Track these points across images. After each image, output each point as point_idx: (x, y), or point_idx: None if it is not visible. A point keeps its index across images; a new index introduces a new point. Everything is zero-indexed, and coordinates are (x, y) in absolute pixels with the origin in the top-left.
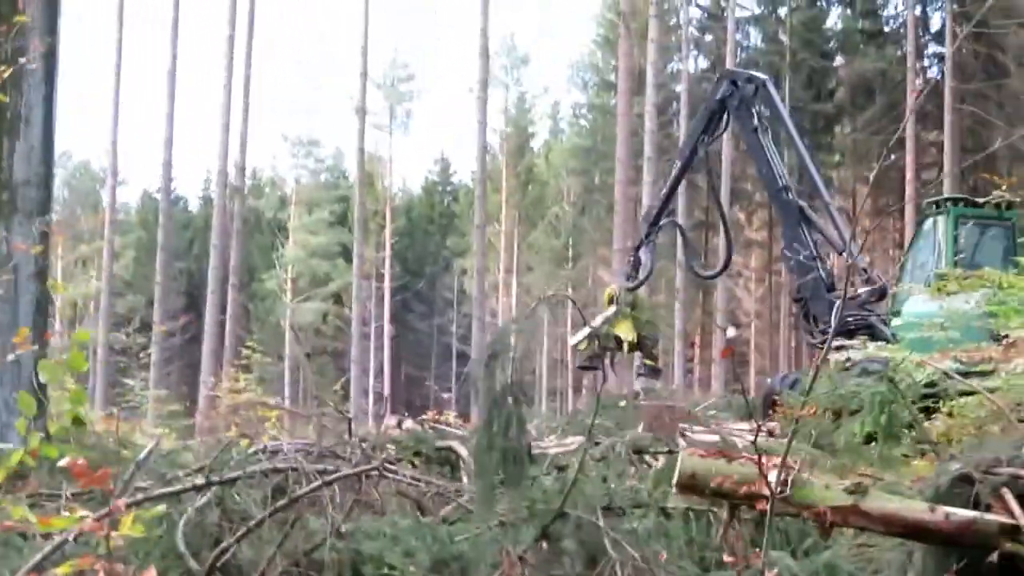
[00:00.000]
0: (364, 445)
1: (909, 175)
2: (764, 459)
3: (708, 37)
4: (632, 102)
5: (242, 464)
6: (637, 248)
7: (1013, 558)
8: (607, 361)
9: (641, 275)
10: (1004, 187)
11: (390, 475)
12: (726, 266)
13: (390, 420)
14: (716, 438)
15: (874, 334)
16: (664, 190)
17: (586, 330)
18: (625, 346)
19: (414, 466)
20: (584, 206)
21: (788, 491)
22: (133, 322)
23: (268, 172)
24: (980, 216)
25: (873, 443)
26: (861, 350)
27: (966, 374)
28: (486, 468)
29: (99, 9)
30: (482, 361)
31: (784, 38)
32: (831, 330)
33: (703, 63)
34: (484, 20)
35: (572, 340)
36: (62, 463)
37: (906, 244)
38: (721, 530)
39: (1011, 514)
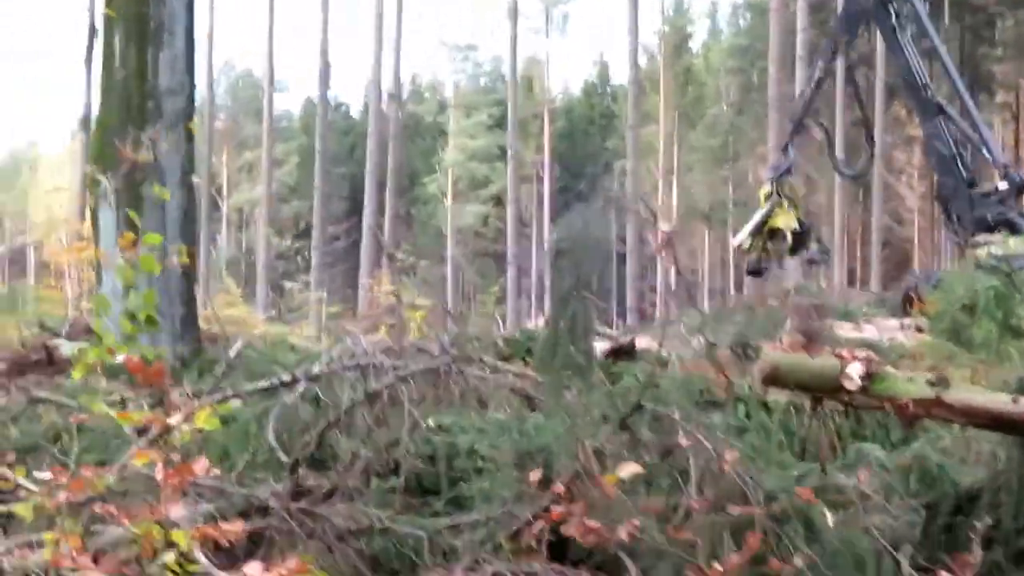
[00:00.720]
0: (455, 343)
1: None
2: (847, 353)
3: None
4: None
5: (330, 363)
6: (784, 148)
7: None
8: (776, 261)
9: (783, 169)
10: None
11: (464, 371)
12: (868, 166)
13: (540, 319)
14: (862, 335)
15: (1015, 229)
16: (807, 89)
17: (747, 228)
18: (788, 237)
19: (525, 363)
20: (742, 106)
21: (869, 384)
22: (298, 226)
23: (427, 78)
24: None
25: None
26: (1002, 246)
27: None
28: (551, 365)
29: None
30: (549, 259)
31: None
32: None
33: None
34: None
35: (735, 241)
36: (119, 359)
37: None
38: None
39: None
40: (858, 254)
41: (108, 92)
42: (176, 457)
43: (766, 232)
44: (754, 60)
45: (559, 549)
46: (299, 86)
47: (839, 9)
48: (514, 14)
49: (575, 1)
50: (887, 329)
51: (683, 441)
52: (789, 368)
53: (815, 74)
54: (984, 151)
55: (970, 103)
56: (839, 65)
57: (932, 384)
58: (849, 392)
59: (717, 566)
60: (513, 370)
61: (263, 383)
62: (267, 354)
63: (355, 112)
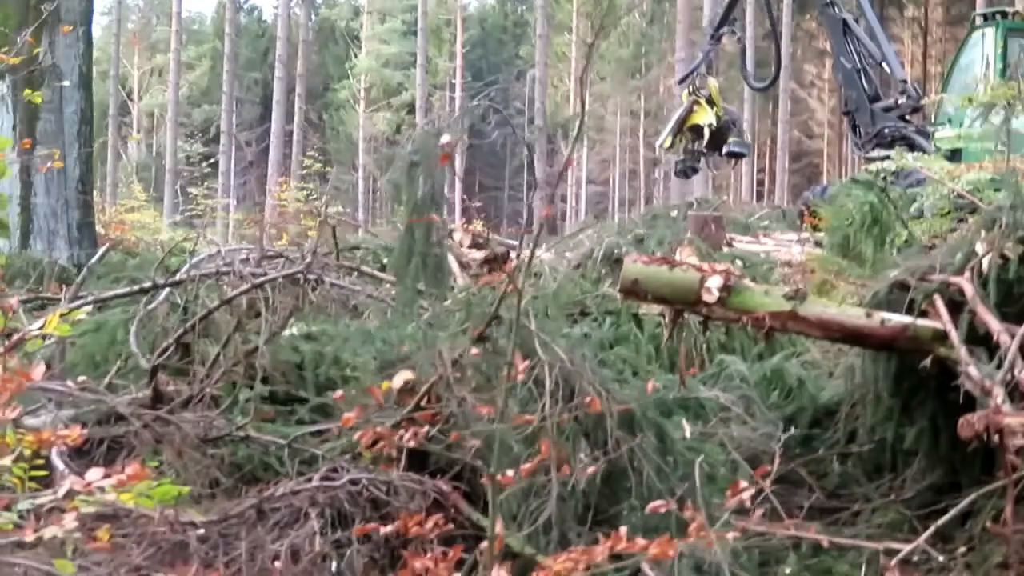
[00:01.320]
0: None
1: None
2: (707, 266)
3: None
4: None
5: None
6: (706, 54)
7: (945, 362)
8: (704, 159)
9: (696, 66)
10: None
11: (323, 281)
12: (775, 79)
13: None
14: (759, 247)
15: (912, 145)
16: (724, 4)
17: (668, 127)
18: (706, 132)
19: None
20: (653, 15)
21: (727, 297)
22: (209, 131)
23: None
24: None
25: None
26: (895, 161)
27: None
28: (405, 274)
29: None
30: (403, 168)
31: None
32: (871, 141)
33: None
34: None
35: (658, 141)
36: None
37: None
38: (662, 336)
39: (942, 320)
40: (766, 167)
41: None
42: (13, 363)
43: (687, 130)
44: None
45: (421, 458)
46: None
47: None
48: None
49: None
50: (784, 242)
51: (540, 352)
52: (648, 280)
53: None
54: (885, 66)
55: (874, 20)
56: None
57: (789, 298)
58: (707, 305)
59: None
60: (384, 277)
61: (122, 289)
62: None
63: (269, 16)
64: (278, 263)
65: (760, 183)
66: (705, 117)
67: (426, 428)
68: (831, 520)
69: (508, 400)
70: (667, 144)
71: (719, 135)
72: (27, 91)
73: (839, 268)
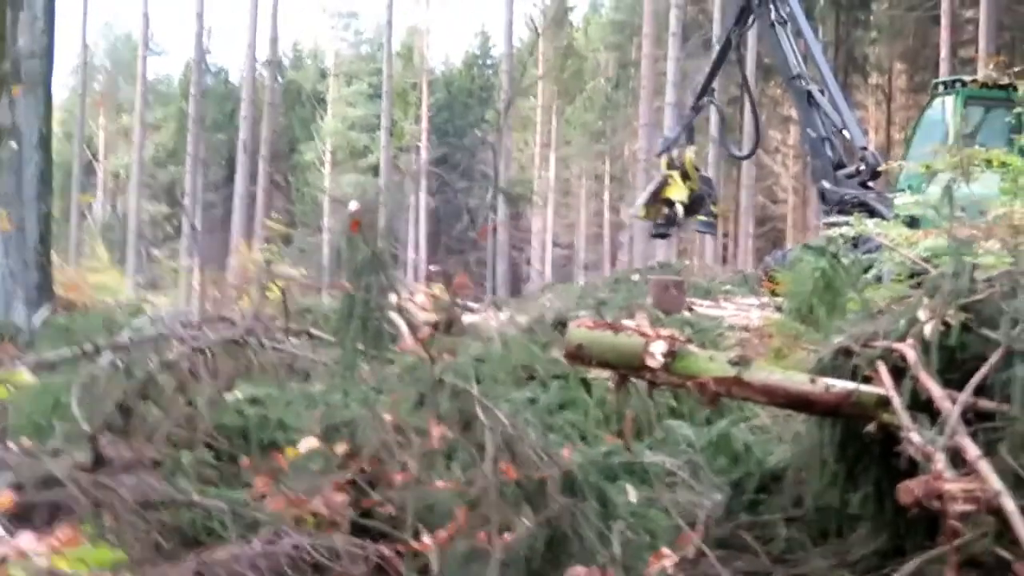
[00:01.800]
0: (254, 315)
1: (944, 52)
2: (652, 331)
3: None
4: None
5: (133, 332)
6: (685, 125)
7: (889, 428)
8: (677, 226)
9: (672, 140)
10: (991, 65)
11: (264, 343)
12: (755, 148)
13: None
14: (720, 312)
15: (872, 211)
16: (704, 76)
17: (641, 198)
18: (679, 208)
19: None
20: (619, 81)
21: (671, 362)
22: (174, 192)
23: (309, 45)
24: (988, 97)
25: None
26: (855, 227)
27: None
28: (345, 337)
29: None
30: (344, 233)
31: None
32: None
33: None
34: None
35: (632, 211)
36: None
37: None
38: (607, 401)
39: (885, 386)
40: (731, 231)
41: None
42: None
43: (660, 201)
44: (632, 35)
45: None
46: (180, 50)
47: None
48: None
49: None
50: (745, 307)
51: (481, 417)
52: (592, 345)
53: (712, 59)
54: (846, 133)
55: (835, 88)
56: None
57: (733, 363)
58: (652, 370)
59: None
60: (327, 337)
61: (64, 353)
62: (79, 321)
63: (235, 77)
64: (220, 327)
65: (725, 247)
66: (677, 193)
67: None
68: None
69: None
70: (641, 214)
71: (692, 206)
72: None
73: (796, 333)
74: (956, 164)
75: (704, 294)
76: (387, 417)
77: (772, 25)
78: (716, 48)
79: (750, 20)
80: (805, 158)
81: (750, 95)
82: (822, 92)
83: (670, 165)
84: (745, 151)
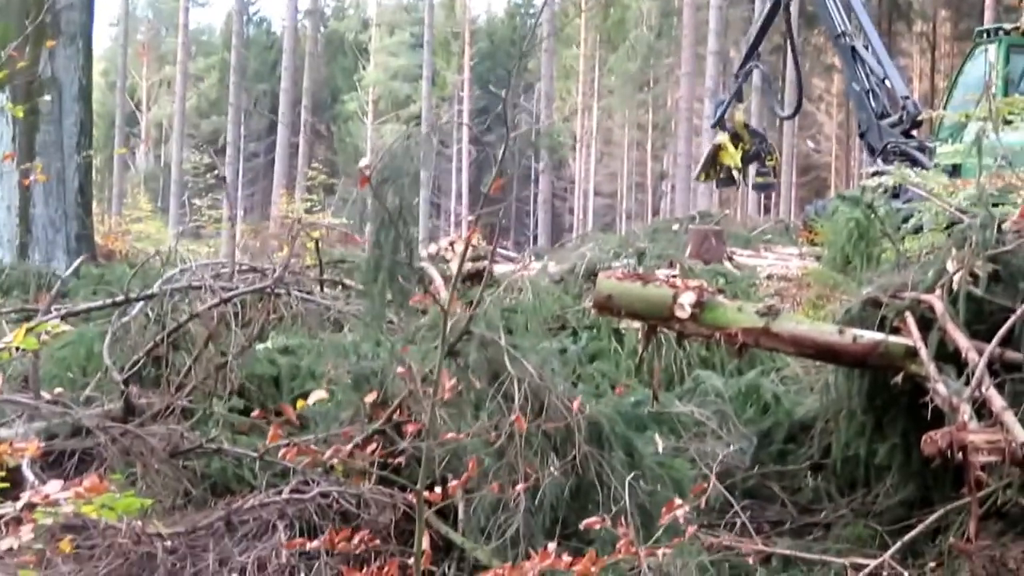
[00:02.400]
0: (285, 266)
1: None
2: (680, 282)
3: None
4: None
5: (163, 282)
6: (735, 91)
7: (916, 379)
8: (735, 186)
9: (723, 103)
10: None
11: (293, 294)
12: (798, 108)
13: (442, 242)
14: (759, 261)
15: (913, 160)
16: (753, 32)
17: (700, 165)
18: (735, 172)
19: None
20: (661, 29)
21: (700, 313)
22: (218, 142)
23: None
24: None
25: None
26: (895, 176)
27: (996, 204)
28: (372, 289)
29: None
30: (372, 186)
31: None
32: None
33: None
34: None
35: (693, 174)
36: None
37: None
38: (638, 351)
39: (913, 337)
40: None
41: (5, 7)
42: None
43: (718, 166)
44: None
45: (396, 470)
46: (223, 0)
47: None
48: None
49: None
50: (785, 256)
51: (509, 367)
52: (621, 296)
53: (761, 17)
54: (888, 83)
55: (876, 40)
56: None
57: (762, 314)
58: (680, 320)
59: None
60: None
61: (95, 303)
62: (114, 271)
63: (277, 28)
64: (250, 277)
65: (767, 196)
66: (731, 159)
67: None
68: (803, 535)
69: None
70: (701, 178)
71: (748, 164)
72: (9, 104)
73: (834, 282)
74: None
75: (744, 244)
76: (415, 367)
77: None
78: (765, 6)
79: None
80: (849, 107)
81: (795, 56)
82: (866, 47)
83: (722, 127)
84: (789, 111)
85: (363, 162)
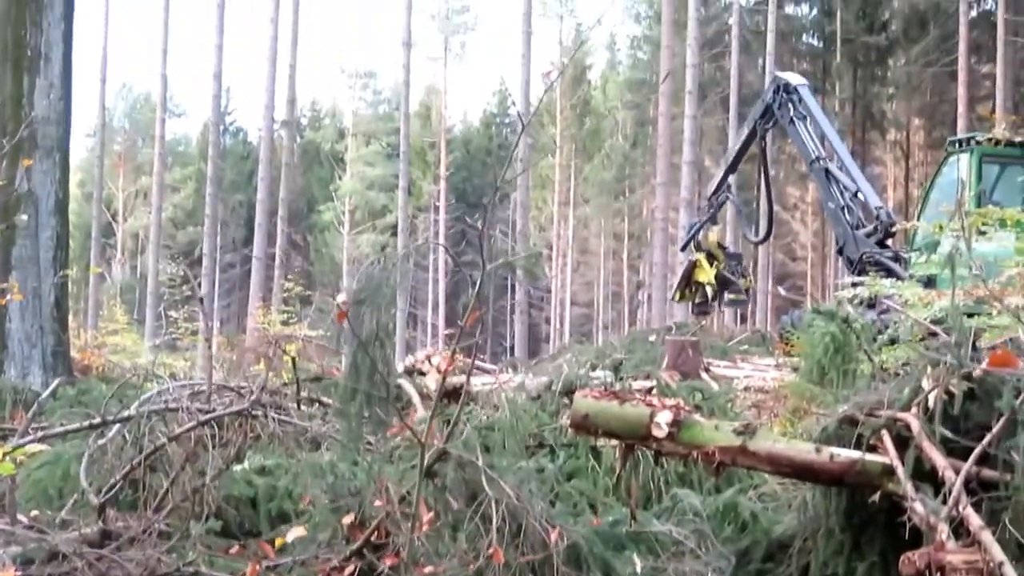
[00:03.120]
0: (262, 387)
1: (962, 108)
2: (657, 400)
3: None
4: (676, 35)
5: (140, 403)
6: (708, 218)
7: (893, 498)
8: (710, 305)
9: (697, 226)
10: (1004, 125)
11: (269, 416)
12: (768, 234)
13: (419, 354)
14: (736, 372)
15: (889, 271)
16: (727, 161)
17: (676, 283)
18: (709, 289)
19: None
20: (636, 139)
21: (677, 432)
22: (194, 253)
23: (327, 104)
24: (1004, 155)
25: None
26: (870, 288)
27: (971, 314)
28: (349, 411)
29: None
30: (349, 307)
31: None
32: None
33: None
34: None
35: (669, 295)
36: None
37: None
38: (616, 469)
39: (890, 455)
40: (749, 288)
41: None
42: None
43: (693, 284)
44: (649, 94)
45: None
46: (199, 111)
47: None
48: (407, 46)
49: (474, 31)
50: (761, 367)
51: (487, 488)
52: (598, 415)
53: (735, 149)
54: (861, 196)
55: (846, 156)
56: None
57: (738, 432)
58: (658, 439)
59: None
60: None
61: (72, 425)
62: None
63: (254, 138)
64: (227, 398)
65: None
66: (705, 276)
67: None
68: None
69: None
70: (677, 298)
71: (722, 285)
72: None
73: (811, 395)
74: (966, 224)
75: (721, 354)
76: (392, 488)
77: (792, 121)
78: (741, 134)
79: (773, 121)
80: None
81: (767, 185)
82: (839, 167)
83: (697, 247)
84: (760, 236)
85: (340, 297)
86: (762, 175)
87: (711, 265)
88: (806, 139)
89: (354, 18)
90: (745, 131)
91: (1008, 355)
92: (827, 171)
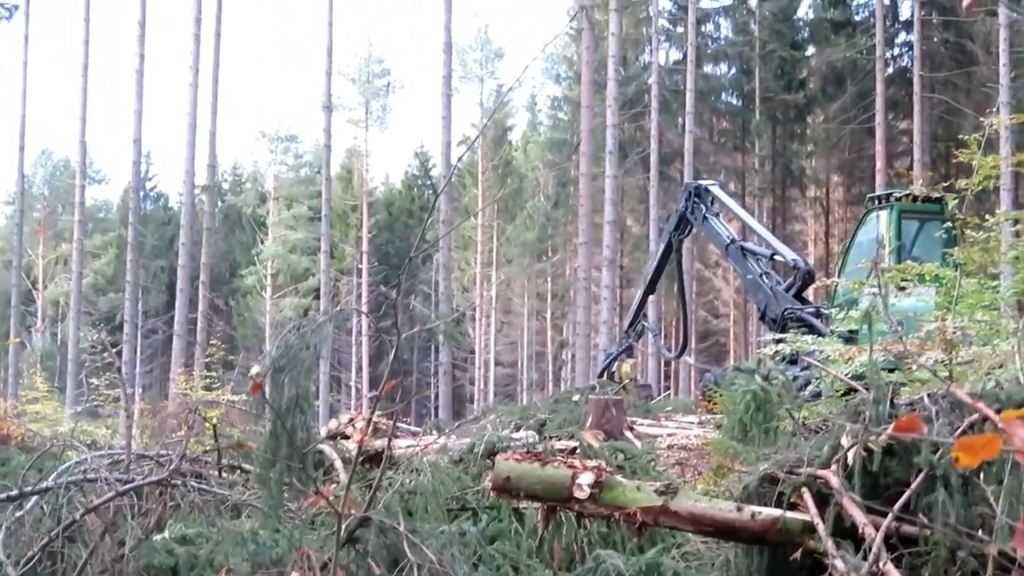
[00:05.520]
0: (182, 456)
1: (880, 164)
2: (578, 462)
3: (679, 28)
4: (596, 96)
5: (59, 474)
6: (623, 350)
7: (814, 554)
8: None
9: (615, 354)
10: (921, 181)
11: (189, 484)
12: (683, 349)
13: (342, 418)
14: (660, 430)
15: (811, 327)
16: (646, 279)
17: (599, 344)
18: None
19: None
20: (558, 199)
21: (598, 493)
22: (116, 319)
23: (248, 168)
24: (921, 211)
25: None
26: (791, 345)
27: (892, 369)
28: (269, 479)
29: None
30: (269, 375)
31: (754, 29)
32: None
33: (675, 54)
34: (447, 16)
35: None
36: None
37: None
38: (539, 531)
39: (810, 513)
40: (672, 347)
41: None
42: None
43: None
44: (570, 154)
45: None
46: (119, 176)
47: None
48: (328, 110)
49: (396, 94)
50: (685, 425)
51: (409, 554)
52: (520, 478)
53: (652, 267)
54: (778, 257)
55: (760, 229)
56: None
57: (660, 493)
58: (580, 501)
59: None
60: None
61: None
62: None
63: (175, 203)
64: (147, 467)
65: (667, 363)
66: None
67: None
68: None
69: None
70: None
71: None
72: None
73: (734, 452)
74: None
75: (644, 413)
76: (314, 556)
77: (705, 219)
78: (659, 249)
79: (689, 228)
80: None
81: (683, 298)
82: (753, 240)
83: (611, 377)
84: (675, 353)
85: (254, 370)
86: (677, 288)
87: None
88: (720, 229)
89: (274, 82)
90: (661, 246)
91: (913, 420)
92: (742, 248)
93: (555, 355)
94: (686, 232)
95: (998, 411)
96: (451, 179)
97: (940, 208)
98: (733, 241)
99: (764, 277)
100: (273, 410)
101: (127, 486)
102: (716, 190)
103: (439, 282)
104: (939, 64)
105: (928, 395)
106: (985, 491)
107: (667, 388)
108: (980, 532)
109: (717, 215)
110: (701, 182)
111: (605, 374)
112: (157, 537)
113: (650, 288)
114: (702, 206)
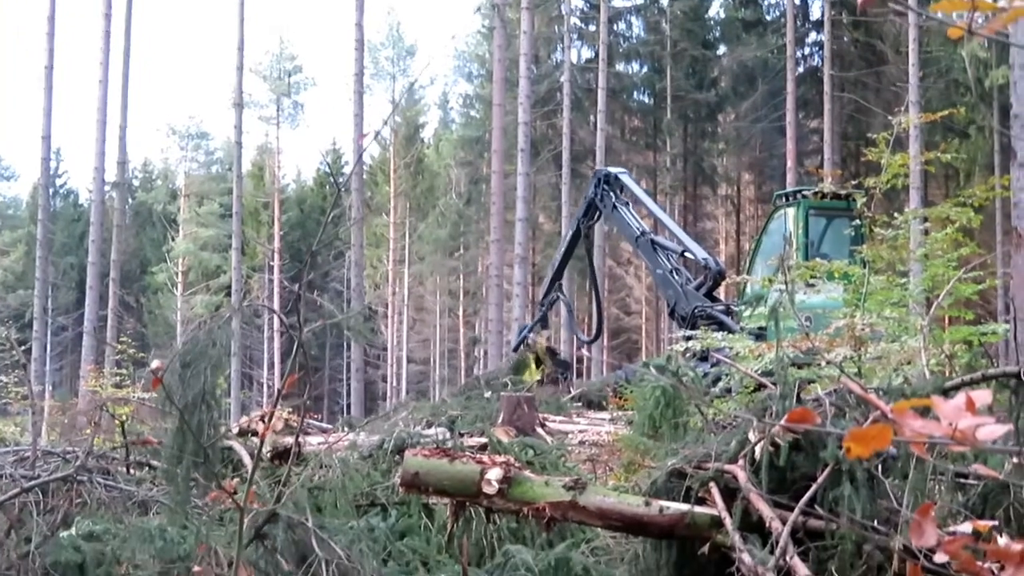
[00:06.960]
0: (88, 452)
1: (790, 162)
2: (487, 458)
3: (591, 27)
4: (508, 94)
5: None
6: (537, 320)
7: (722, 548)
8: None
9: (527, 331)
10: (830, 179)
11: (95, 481)
12: (597, 335)
13: (253, 414)
14: (572, 427)
15: (721, 324)
16: (555, 265)
17: (511, 341)
18: (534, 384)
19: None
20: (470, 196)
21: (507, 488)
22: (25, 316)
23: (159, 165)
24: (829, 208)
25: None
26: (701, 340)
27: (800, 365)
28: (176, 474)
29: None
30: (175, 370)
31: (666, 28)
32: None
33: (587, 53)
34: (359, 13)
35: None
36: None
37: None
38: (448, 526)
39: (718, 507)
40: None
41: None
42: None
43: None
44: (482, 151)
45: None
46: (29, 173)
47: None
48: (239, 107)
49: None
50: (597, 422)
51: (317, 549)
52: (429, 473)
53: (561, 250)
54: (688, 254)
55: (671, 224)
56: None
57: (568, 488)
58: (488, 496)
59: None
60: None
61: None
62: None
63: (85, 200)
64: (53, 463)
65: (580, 360)
66: (530, 376)
67: None
68: None
69: None
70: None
71: (545, 376)
72: None
73: (645, 448)
74: (790, 277)
75: (556, 410)
76: (222, 552)
77: (615, 208)
78: (566, 235)
79: (597, 214)
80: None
81: (595, 284)
82: (665, 235)
83: (527, 348)
84: (590, 336)
85: (155, 363)
86: (589, 275)
87: (537, 368)
88: (629, 220)
89: (185, 79)
90: (569, 232)
91: (807, 412)
92: (652, 241)
93: (467, 352)
94: (595, 218)
95: None
96: (350, 176)
97: (848, 205)
98: (644, 233)
99: (674, 273)
100: (177, 407)
101: (32, 483)
102: (626, 179)
103: (351, 279)
104: (849, 63)
105: (835, 390)
106: (890, 486)
107: (579, 376)
108: (886, 526)
109: (627, 204)
110: (611, 169)
111: (520, 346)
112: (64, 534)
113: (557, 274)
114: (611, 193)
